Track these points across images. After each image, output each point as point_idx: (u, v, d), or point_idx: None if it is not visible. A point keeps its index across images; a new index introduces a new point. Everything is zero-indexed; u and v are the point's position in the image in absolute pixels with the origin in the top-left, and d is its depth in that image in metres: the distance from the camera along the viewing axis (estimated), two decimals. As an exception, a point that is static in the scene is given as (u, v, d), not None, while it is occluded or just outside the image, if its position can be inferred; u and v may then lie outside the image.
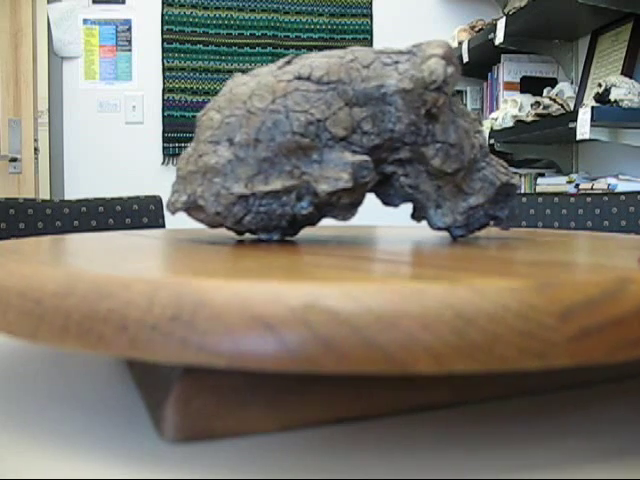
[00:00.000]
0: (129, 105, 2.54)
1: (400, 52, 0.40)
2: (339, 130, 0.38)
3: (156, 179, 2.56)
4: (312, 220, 0.41)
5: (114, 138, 2.54)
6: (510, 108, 1.98)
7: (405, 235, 0.52)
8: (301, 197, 0.39)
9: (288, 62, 0.41)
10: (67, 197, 2.50)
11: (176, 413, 0.24)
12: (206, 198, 0.39)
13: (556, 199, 1.29)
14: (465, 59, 2.24)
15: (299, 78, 0.39)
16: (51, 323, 0.22)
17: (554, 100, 1.79)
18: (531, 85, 2.22)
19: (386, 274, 0.23)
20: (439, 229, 0.44)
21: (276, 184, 0.38)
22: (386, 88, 0.39)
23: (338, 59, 0.39)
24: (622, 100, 1.54)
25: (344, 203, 0.40)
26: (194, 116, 2.54)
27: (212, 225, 0.41)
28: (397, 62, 0.40)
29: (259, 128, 0.38)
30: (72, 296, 0.22)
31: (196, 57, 2.55)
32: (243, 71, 2.56)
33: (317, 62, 0.39)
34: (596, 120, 1.51)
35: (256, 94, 0.39)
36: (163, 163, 2.55)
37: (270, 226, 0.40)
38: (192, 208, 0.40)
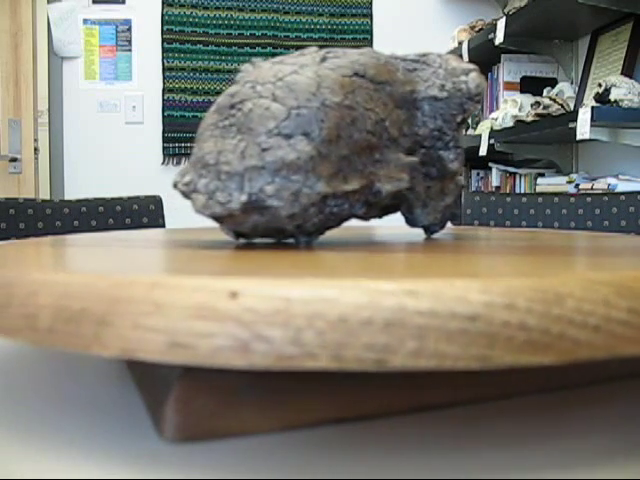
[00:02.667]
0: (129, 105, 2.54)
1: (411, 60, 0.42)
2: (395, 131, 0.39)
3: (156, 179, 2.56)
4: (344, 221, 0.41)
5: (114, 138, 2.54)
6: (510, 108, 1.98)
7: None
8: (360, 197, 0.38)
9: (324, 57, 0.38)
10: (67, 197, 2.50)
11: (176, 413, 0.24)
12: (284, 198, 0.34)
13: (556, 199, 1.29)
14: (465, 59, 2.24)
15: (356, 74, 0.38)
16: (509, 338, 0.19)
17: (554, 100, 1.79)
18: (531, 85, 2.22)
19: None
20: (422, 227, 0.46)
21: (354, 183, 0.37)
22: (417, 94, 0.41)
23: (376, 60, 0.39)
24: (622, 100, 1.54)
25: (384, 203, 0.40)
26: (194, 116, 2.54)
27: (260, 227, 0.37)
28: (415, 69, 0.41)
29: (338, 124, 0.36)
30: (510, 305, 0.20)
31: (196, 57, 2.55)
32: (243, 71, 2.56)
33: (363, 60, 0.39)
34: (596, 120, 1.51)
35: (324, 87, 0.36)
36: (163, 163, 2.55)
37: (323, 228, 0.39)
38: (247, 210, 0.35)
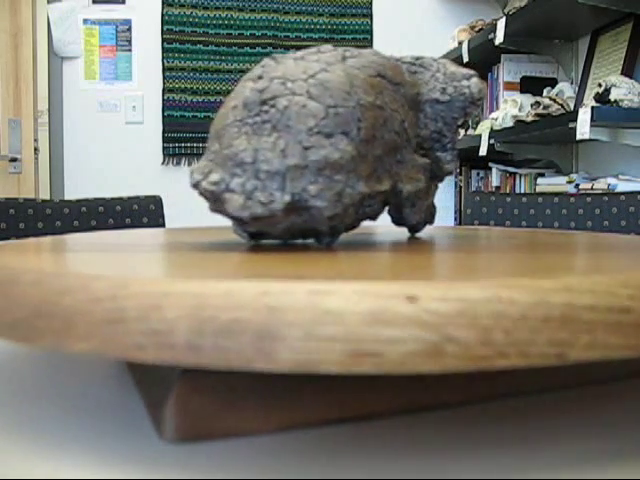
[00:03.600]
0: (129, 105, 2.54)
1: (409, 62, 0.43)
2: (411, 131, 0.39)
3: (156, 179, 2.56)
4: (363, 220, 0.41)
5: (114, 138, 2.54)
6: (510, 108, 1.98)
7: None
8: (384, 197, 0.39)
9: (344, 56, 0.38)
10: (67, 197, 2.50)
11: (176, 414, 0.24)
12: (326, 198, 0.34)
13: (556, 199, 1.29)
14: (465, 59, 2.24)
15: (379, 75, 0.38)
16: None
17: (554, 100, 1.79)
18: (531, 85, 2.22)
19: None
20: (410, 226, 0.46)
21: (385, 184, 0.37)
22: (421, 96, 0.41)
23: (387, 61, 0.40)
24: (622, 100, 1.54)
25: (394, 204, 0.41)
26: (194, 116, 2.54)
27: (294, 228, 0.36)
28: (416, 72, 0.42)
29: (374, 124, 0.36)
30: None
31: (196, 57, 2.55)
32: (243, 71, 2.56)
33: (379, 60, 0.39)
34: (596, 120, 1.50)
35: (357, 86, 0.36)
36: (163, 163, 2.55)
37: (348, 228, 0.39)
38: (288, 211, 0.34)
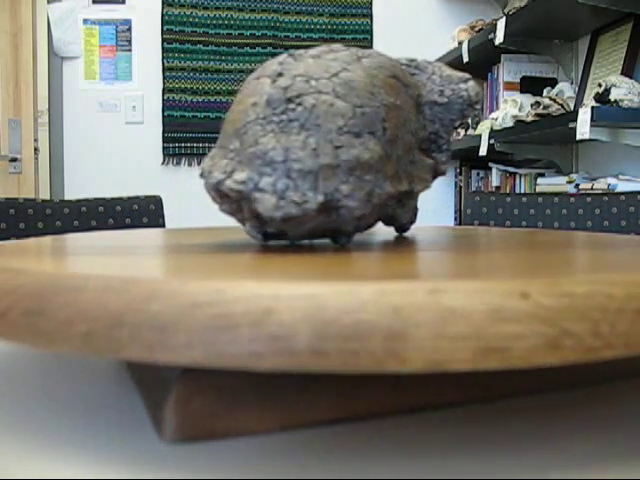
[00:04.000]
0: (129, 105, 2.54)
1: (405, 64, 0.43)
2: (420, 133, 0.40)
3: (156, 179, 2.56)
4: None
5: (114, 138, 2.54)
6: (510, 108, 1.98)
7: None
8: (397, 197, 0.39)
9: (358, 56, 0.38)
10: (67, 197, 2.50)
11: (176, 414, 0.24)
12: (357, 198, 0.33)
13: (556, 199, 1.29)
14: (465, 59, 2.24)
15: (393, 76, 0.38)
16: None
17: (554, 100, 1.79)
18: (531, 85, 2.22)
19: None
20: (400, 225, 0.46)
21: (405, 184, 0.37)
22: (421, 98, 0.41)
23: (394, 62, 0.40)
24: (622, 100, 1.54)
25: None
26: (194, 116, 2.54)
27: (318, 228, 0.35)
28: (414, 74, 0.42)
29: (397, 124, 0.36)
30: None
31: (196, 57, 2.55)
32: (243, 71, 2.56)
33: (389, 62, 0.39)
34: (596, 120, 1.50)
35: (377, 86, 0.35)
36: (163, 163, 2.55)
37: (365, 228, 0.39)
38: (320, 210, 0.33)
